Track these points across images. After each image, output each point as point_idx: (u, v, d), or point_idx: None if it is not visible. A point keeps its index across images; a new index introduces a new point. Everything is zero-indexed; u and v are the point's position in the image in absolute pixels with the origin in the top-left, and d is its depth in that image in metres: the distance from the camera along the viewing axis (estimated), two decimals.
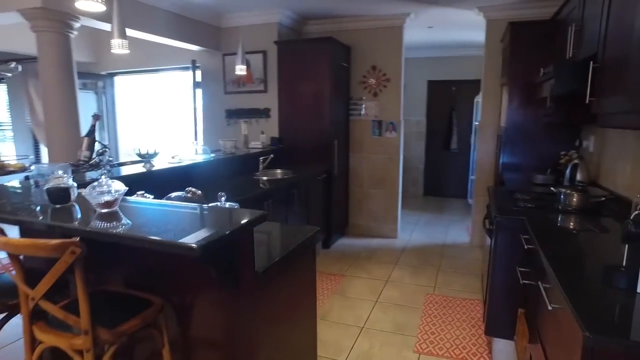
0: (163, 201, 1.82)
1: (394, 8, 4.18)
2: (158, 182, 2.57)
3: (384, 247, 4.54)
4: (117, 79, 5.67)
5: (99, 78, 5.53)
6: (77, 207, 1.61)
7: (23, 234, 1.81)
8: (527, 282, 1.91)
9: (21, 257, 1.35)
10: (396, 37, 4.52)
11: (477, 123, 5.27)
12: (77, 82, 3.19)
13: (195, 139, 4.78)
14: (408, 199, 6.58)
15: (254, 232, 1.45)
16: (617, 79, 1.72)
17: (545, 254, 1.52)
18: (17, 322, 1.59)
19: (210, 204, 1.71)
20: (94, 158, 2.44)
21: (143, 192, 1.88)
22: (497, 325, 2.34)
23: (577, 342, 1.07)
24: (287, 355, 1.76)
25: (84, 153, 2.42)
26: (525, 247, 1.92)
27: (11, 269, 1.33)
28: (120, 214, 1.49)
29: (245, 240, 1.42)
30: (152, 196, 1.90)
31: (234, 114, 4.69)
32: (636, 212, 1.30)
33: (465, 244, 4.67)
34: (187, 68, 4.81)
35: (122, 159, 5.19)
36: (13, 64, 3.92)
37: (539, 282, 1.55)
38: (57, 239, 1.19)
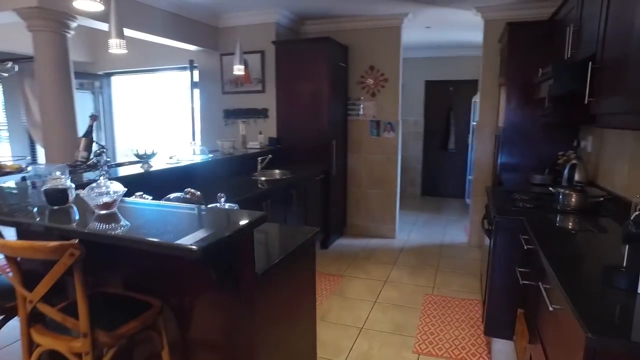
0: (162, 202, 1.81)
1: (392, 8, 4.18)
2: (156, 183, 2.56)
3: (382, 247, 4.54)
4: (114, 79, 5.64)
5: (95, 78, 5.50)
6: (75, 208, 1.60)
7: (20, 235, 1.80)
8: (526, 282, 1.91)
9: (18, 259, 1.34)
10: (394, 37, 4.52)
11: (474, 123, 5.28)
12: (74, 82, 3.17)
13: (193, 139, 4.76)
14: (406, 199, 6.58)
15: (253, 232, 1.44)
16: (616, 80, 1.72)
17: (545, 255, 1.52)
18: (14, 325, 1.58)
19: (210, 205, 1.70)
20: (92, 159, 2.42)
21: (142, 193, 1.87)
22: (496, 325, 2.34)
23: (579, 343, 1.07)
24: (286, 356, 1.76)
25: (81, 154, 2.41)
26: (525, 247, 1.93)
27: (8, 270, 1.32)
28: (119, 215, 1.48)
29: (246, 241, 1.41)
30: (151, 197, 1.89)
31: (232, 114, 4.68)
32: (636, 212, 1.30)
33: (463, 244, 4.68)
34: (184, 68, 4.79)
35: (119, 160, 5.17)
36: (10, 64, 3.89)
37: (540, 283, 1.55)
38: (55, 240, 1.18)
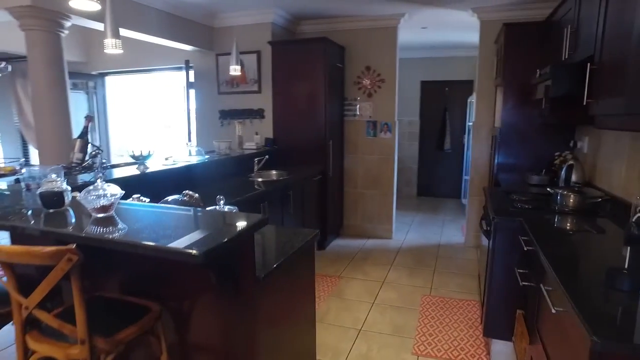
0: (160, 205, 1.78)
1: (388, 8, 4.17)
2: (152, 185, 2.53)
3: (379, 247, 4.54)
4: (108, 79, 5.58)
5: (89, 78, 5.44)
6: (71, 211, 1.57)
7: (14, 239, 1.76)
8: (526, 283, 1.91)
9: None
10: (390, 38, 4.52)
11: (470, 123, 5.30)
12: (68, 82, 3.12)
13: (189, 140, 4.73)
14: (402, 199, 6.59)
15: (254, 235, 1.42)
16: (615, 81, 1.72)
17: (547, 257, 1.51)
18: (8, 329, 1.54)
19: (209, 208, 1.67)
20: (87, 160, 2.38)
21: (139, 195, 1.84)
22: (495, 326, 2.34)
23: (583, 345, 1.06)
24: (286, 359, 1.74)
25: (76, 155, 2.37)
26: (525, 248, 1.92)
27: (2, 275, 1.28)
28: (117, 218, 1.45)
29: (246, 245, 1.39)
30: (148, 199, 1.86)
31: (228, 115, 4.65)
32: (638, 214, 1.31)
33: (460, 244, 4.69)
34: (180, 68, 4.75)
35: (113, 161, 5.12)
36: (3, 64, 3.83)
37: (541, 285, 1.55)
38: (50, 245, 1.15)
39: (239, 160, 3.77)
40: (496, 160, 3.68)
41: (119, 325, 1.33)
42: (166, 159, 3.15)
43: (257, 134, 4.40)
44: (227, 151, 3.79)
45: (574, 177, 2.79)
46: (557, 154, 3.27)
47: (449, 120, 6.84)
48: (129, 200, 1.81)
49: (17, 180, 2.16)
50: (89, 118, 2.44)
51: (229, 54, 3.80)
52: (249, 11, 4.26)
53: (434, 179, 7.15)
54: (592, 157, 2.85)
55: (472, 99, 5.51)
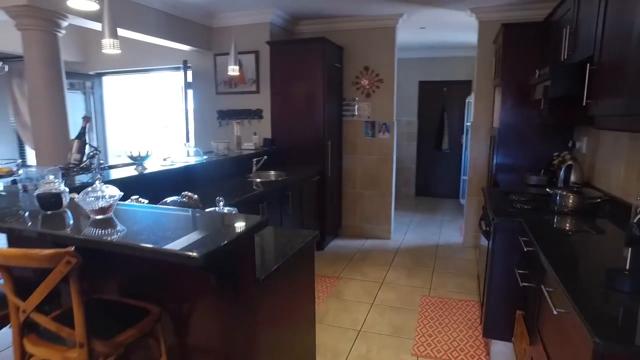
0: (159, 206, 1.77)
1: (387, 8, 4.17)
2: (150, 185, 2.51)
3: (377, 248, 4.53)
4: (105, 79, 5.55)
5: (86, 78, 5.41)
6: (69, 213, 1.55)
7: (11, 242, 1.75)
8: (526, 284, 1.91)
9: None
10: (389, 38, 4.52)
11: (468, 124, 5.30)
12: (65, 82, 3.10)
13: (187, 140, 4.71)
14: (400, 199, 6.58)
15: (254, 237, 1.41)
16: (615, 81, 1.72)
17: (547, 258, 1.51)
18: (6, 331, 1.53)
19: (209, 209, 1.66)
20: (85, 161, 2.37)
21: (137, 196, 1.82)
22: (495, 327, 2.34)
23: (585, 347, 1.06)
24: None
25: (74, 156, 2.35)
26: (525, 249, 1.92)
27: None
28: (115, 220, 1.44)
29: (246, 247, 1.39)
30: (147, 201, 1.85)
31: (226, 115, 4.64)
32: (639, 215, 1.31)
33: (458, 244, 4.69)
34: (178, 68, 4.73)
35: (111, 161, 5.10)
36: (0, 64, 3.80)
37: (542, 286, 1.55)
38: (48, 247, 1.14)
39: (238, 161, 3.76)
40: (495, 161, 3.68)
41: (118, 328, 1.32)
42: (164, 159, 3.13)
43: (255, 134, 4.39)
44: (225, 152, 3.78)
45: (572, 178, 2.79)
46: (555, 154, 3.28)
47: (447, 120, 6.84)
48: (127, 202, 1.80)
49: (14, 182, 2.14)
50: (87, 119, 2.42)
51: (227, 54, 3.78)
52: (247, 11, 4.25)
53: (432, 179, 7.15)
54: (591, 157, 2.86)
55: (471, 99, 5.51)
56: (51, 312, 1.42)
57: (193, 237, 1.24)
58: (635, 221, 1.28)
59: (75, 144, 2.38)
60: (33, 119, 2.99)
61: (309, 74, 4.19)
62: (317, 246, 4.44)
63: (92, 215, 1.44)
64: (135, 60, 5.02)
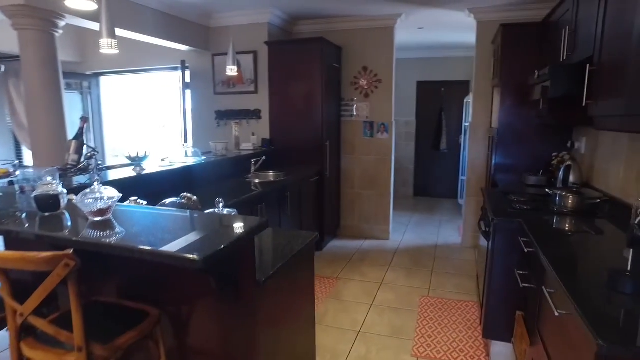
0: (159, 208, 1.76)
1: (385, 9, 4.17)
2: (148, 186, 2.50)
3: (376, 248, 4.53)
4: (103, 79, 5.52)
5: (84, 78, 5.38)
6: (67, 215, 1.54)
7: (8, 244, 1.73)
8: (527, 285, 1.91)
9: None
10: (387, 38, 4.51)
11: (467, 124, 5.30)
12: (62, 82, 3.08)
13: (185, 140, 4.69)
14: (398, 199, 6.58)
15: (254, 239, 1.40)
16: (615, 82, 1.72)
17: (548, 259, 1.51)
18: (3, 334, 1.51)
19: (208, 211, 1.65)
20: (83, 162, 2.35)
21: (136, 198, 1.81)
22: (494, 327, 2.34)
23: (588, 349, 1.06)
24: None
25: (71, 157, 2.33)
26: (525, 250, 1.92)
27: None
28: (114, 222, 1.42)
29: (247, 249, 1.37)
30: (146, 202, 1.83)
31: (224, 115, 4.62)
32: None
33: (457, 244, 4.69)
34: (176, 68, 4.71)
35: (108, 161, 5.06)
36: None
37: (543, 287, 1.54)
38: (46, 249, 1.13)
39: (236, 162, 3.75)
40: (494, 161, 3.68)
41: (117, 331, 1.31)
42: (162, 160, 3.11)
43: (253, 134, 4.38)
44: (223, 152, 3.76)
45: (571, 178, 2.79)
46: (554, 154, 3.28)
47: (445, 120, 6.85)
48: (126, 203, 1.79)
49: (11, 183, 2.13)
50: (84, 119, 2.40)
51: (225, 54, 3.77)
52: (245, 11, 4.23)
53: (431, 179, 7.16)
54: (590, 157, 2.86)
55: (469, 100, 5.52)
56: (49, 314, 1.41)
57: (193, 240, 1.23)
58: (637, 222, 1.28)
59: (73, 145, 2.37)
60: (30, 120, 2.97)
61: (308, 74, 4.18)
62: (316, 247, 4.39)
63: (90, 217, 1.43)
64: (133, 60, 5.00)
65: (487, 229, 2.44)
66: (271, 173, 3.85)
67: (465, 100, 6.30)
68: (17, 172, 2.30)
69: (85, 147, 2.40)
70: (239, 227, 1.39)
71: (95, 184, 1.45)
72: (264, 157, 3.78)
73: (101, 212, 1.42)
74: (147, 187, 2.47)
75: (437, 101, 6.87)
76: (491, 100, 4.21)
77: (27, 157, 5.16)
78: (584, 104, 1.98)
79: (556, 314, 1.33)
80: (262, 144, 4.38)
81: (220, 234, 1.36)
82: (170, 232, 1.33)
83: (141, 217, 1.57)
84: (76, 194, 1.46)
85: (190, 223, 1.49)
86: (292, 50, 4.28)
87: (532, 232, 1.87)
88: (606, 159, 2.55)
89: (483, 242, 2.78)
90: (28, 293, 1.20)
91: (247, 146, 4.20)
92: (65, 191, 1.57)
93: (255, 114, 4.51)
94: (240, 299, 1.43)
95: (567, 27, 2.45)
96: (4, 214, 1.58)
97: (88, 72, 5.40)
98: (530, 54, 3.33)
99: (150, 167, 2.80)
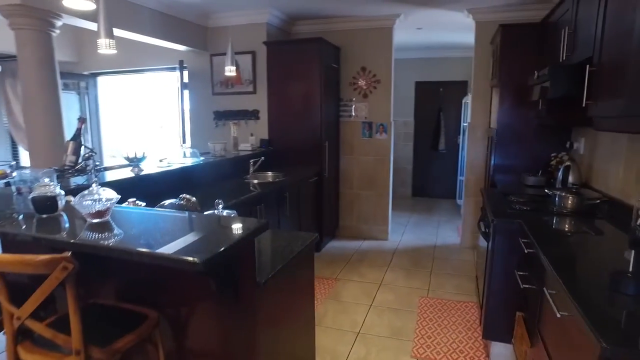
0: (157, 209, 1.74)
1: (384, 9, 4.16)
2: (147, 187, 2.48)
3: (375, 249, 4.52)
4: (100, 79, 5.49)
5: (81, 78, 5.35)
6: (65, 217, 1.52)
7: (5, 246, 1.71)
8: (527, 286, 1.90)
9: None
10: (386, 39, 4.51)
11: (465, 124, 5.31)
12: (60, 82, 3.06)
13: (184, 141, 4.67)
14: (397, 199, 6.58)
15: (254, 240, 1.39)
16: (615, 82, 1.72)
17: (549, 260, 1.50)
18: None
19: (207, 212, 1.64)
20: (80, 163, 2.33)
21: (135, 199, 1.80)
22: (494, 328, 2.34)
23: (590, 351, 1.05)
24: None
25: (69, 158, 2.32)
26: (526, 251, 1.91)
27: None
28: (113, 224, 1.41)
29: (247, 251, 1.36)
30: (144, 203, 1.82)
31: (223, 116, 4.60)
32: None
33: (456, 245, 4.69)
34: (174, 68, 4.69)
35: (106, 162, 5.04)
36: None
37: (544, 288, 1.54)
38: (43, 251, 1.11)
39: (235, 162, 3.73)
40: (492, 161, 3.68)
41: (115, 334, 1.30)
42: (161, 160, 3.10)
43: (252, 135, 4.36)
44: (222, 153, 3.75)
45: (570, 179, 2.79)
46: (553, 155, 3.28)
47: (443, 120, 6.85)
48: (124, 204, 1.77)
49: (8, 184, 2.11)
50: (82, 120, 2.38)
51: (224, 54, 3.75)
52: (244, 11, 4.22)
53: (429, 180, 7.16)
54: (589, 158, 2.86)
55: (467, 100, 5.52)
56: (46, 318, 1.39)
57: (193, 242, 1.22)
58: (638, 224, 1.27)
59: (71, 146, 2.35)
60: (27, 120, 2.95)
61: (306, 74, 4.17)
62: (315, 247, 4.41)
63: (88, 219, 1.41)
64: (131, 61, 4.98)
65: (487, 230, 2.43)
66: (270, 174, 3.84)
67: (463, 101, 6.30)
68: (14, 173, 2.28)
69: (82, 147, 2.38)
70: (239, 229, 1.38)
71: (94, 185, 1.44)
72: (262, 158, 3.77)
73: (99, 213, 1.41)
74: (145, 188, 2.45)
75: (436, 101, 6.87)
76: (490, 100, 4.21)
77: (24, 158, 5.13)
78: (584, 105, 1.98)
79: (558, 315, 1.33)
80: (261, 144, 4.37)
81: (221, 236, 1.35)
82: (170, 234, 1.31)
83: (140, 218, 1.56)
84: (74, 196, 1.45)
85: (188, 225, 1.47)
86: (291, 50, 4.27)
87: (532, 233, 1.87)
88: (605, 160, 2.55)
89: (482, 242, 2.78)
90: (25, 296, 1.18)
91: (246, 147, 4.19)
92: (62, 192, 1.56)
93: (254, 115, 4.49)
94: (240, 301, 1.41)
95: (567, 28, 2.44)
96: (0, 215, 1.57)
97: (85, 72, 5.37)
98: (529, 55, 3.33)
99: (149, 168, 2.79)
